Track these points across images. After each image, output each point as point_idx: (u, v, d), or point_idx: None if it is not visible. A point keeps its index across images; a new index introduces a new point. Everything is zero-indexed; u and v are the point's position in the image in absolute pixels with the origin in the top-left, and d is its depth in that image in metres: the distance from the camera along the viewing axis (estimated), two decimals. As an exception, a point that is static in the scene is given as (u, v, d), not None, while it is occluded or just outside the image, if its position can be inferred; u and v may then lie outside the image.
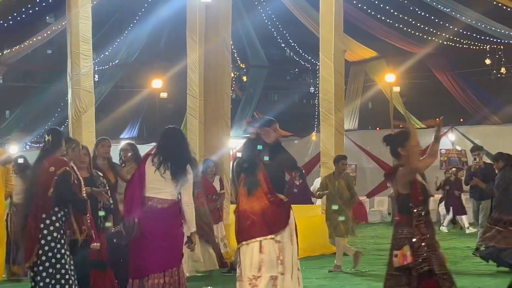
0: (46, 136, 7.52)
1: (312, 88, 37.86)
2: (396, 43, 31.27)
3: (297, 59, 36.37)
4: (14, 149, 29.43)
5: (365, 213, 25.29)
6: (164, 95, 32.94)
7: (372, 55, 32.78)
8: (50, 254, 7.02)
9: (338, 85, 15.65)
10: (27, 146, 31.79)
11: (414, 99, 39.56)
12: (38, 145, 32.91)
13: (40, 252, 7.02)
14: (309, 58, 35.37)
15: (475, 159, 14.15)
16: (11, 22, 26.40)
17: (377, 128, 34.96)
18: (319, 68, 16.83)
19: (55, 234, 7.08)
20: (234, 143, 30.67)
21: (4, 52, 32.63)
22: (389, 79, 29.30)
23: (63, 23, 24.76)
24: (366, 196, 26.43)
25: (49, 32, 29.70)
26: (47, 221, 7.09)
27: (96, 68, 23.37)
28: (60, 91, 28.49)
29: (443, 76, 32.69)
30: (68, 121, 14.76)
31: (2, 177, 7.58)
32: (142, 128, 36.75)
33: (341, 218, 12.19)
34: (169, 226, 7.08)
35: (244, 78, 38.44)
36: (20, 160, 11.51)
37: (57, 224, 7.12)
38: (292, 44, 34.96)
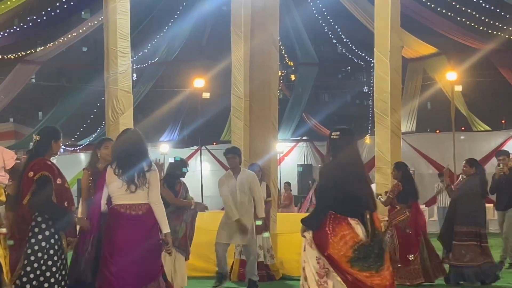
0: (34, 135, 7.46)
1: (365, 87, 37.76)
2: (458, 38, 30.98)
3: (349, 56, 36.25)
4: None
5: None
6: (206, 95, 33.03)
7: (431, 52, 32.53)
8: (35, 265, 6.90)
9: (394, 84, 15.54)
10: (61, 150, 32.21)
11: (477, 99, 39.13)
12: (73, 148, 33.33)
13: (25, 262, 6.89)
14: (363, 55, 35.26)
15: (498, 165, 13.91)
16: (44, 18, 26.77)
17: (437, 131, 34.64)
18: (373, 65, 16.74)
19: (43, 244, 6.95)
20: (282, 147, 30.75)
21: (37, 50, 33.07)
22: (450, 78, 28.98)
23: (100, 19, 25.06)
24: (425, 204, 26.20)
25: (84, 29, 30.06)
26: (32, 231, 6.98)
27: (134, 67, 23.59)
28: (96, 91, 28.83)
29: (509, 73, 32.28)
30: (104, 123, 14.92)
31: None
32: (183, 130, 36.97)
33: None
34: (144, 235, 7.04)
35: (293, 77, 38.54)
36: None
37: (46, 233, 6.98)
38: (345, 40, 34.85)
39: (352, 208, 6.65)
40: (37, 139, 7.34)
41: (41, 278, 6.87)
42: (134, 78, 25.25)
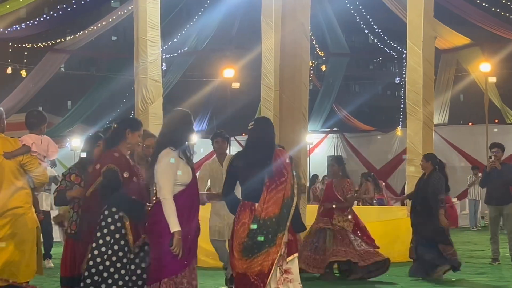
0: (113, 124, 7.36)
1: (397, 78, 37.45)
2: (492, 29, 30.72)
3: (381, 46, 36.08)
4: (76, 142, 30.09)
5: (455, 217, 24.97)
6: (236, 85, 33.10)
7: (465, 42, 32.29)
8: (98, 259, 6.74)
9: (427, 75, 15.46)
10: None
11: (511, 91, 38.84)
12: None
13: (89, 256, 6.78)
14: (395, 45, 35.05)
15: (490, 157, 13.73)
16: (74, 7, 26.90)
17: (470, 123, 34.48)
18: (406, 56, 16.67)
19: (107, 239, 6.79)
20: (311, 138, 30.73)
21: (67, 39, 33.27)
22: (484, 69, 28.81)
23: (129, 8, 25.16)
24: (457, 198, 26.09)
25: (114, 17, 30.16)
26: (99, 225, 6.85)
27: (164, 56, 23.66)
28: (126, 80, 28.97)
29: (545, 65, 32.00)
30: (133, 113, 14.99)
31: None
32: (212, 121, 37.04)
33: None
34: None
35: (323, 67, 38.36)
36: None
37: (112, 227, 6.81)
38: (376, 30, 34.68)
39: (254, 194, 6.86)
40: (115, 126, 7.21)
41: (105, 274, 6.72)
42: (164, 67, 25.28)
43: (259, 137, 7.13)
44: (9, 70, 30.30)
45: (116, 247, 6.76)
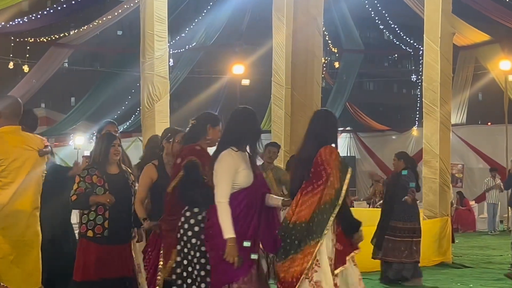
0: (190, 120, 7.24)
1: (414, 76, 37.35)
2: (512, 25, 30.63)
3: (397, 42, 36.00)
4: (79, 140, 30.16)
5: (473, 221, 24.93)
6: (246, 82, 33.08)
7: (484, 39, 32.18)
8: (185, 262, 6.71)
9: (444, 73, 15.44)
10: (94, 138, 32.41)
11: (532, 90, 38.68)
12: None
13: (178, 259, 6.75)
14: (411, 41, 34.96)
15: None
16: (79, 0, 26.92)
17: (488, 123, 34.41)
18: (422, 53, 16.65)
19: (193, 241, 6.70)
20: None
21: (71, 33, 33.30)
22: (504, 67, 28.71)
23: (136, 1, 25.16)
24: (475, 201, 26.04)
25: (120, 11, 30.18)
26: (182, 228, 6.75)
27: (171, 52, 23.66)
28: (131, 76, 28.97)
29: None
30: (139, 110, 15.01)
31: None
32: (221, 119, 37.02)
33: None
34: None
35: (336, 64, 38.25)
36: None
37: (196, 228, 6.70)
38: (392, 25, 34.60)
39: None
40: (193, 123, 7.17)
41: (198, 278, 6.64)
42: (171, 63, 25.30)
43: (308, 132, 6.89)
44: (11, 65, 30.32)
45: (203, 248, 6.64)
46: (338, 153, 6.53)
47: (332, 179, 6.36)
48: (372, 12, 33.28)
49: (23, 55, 30.84)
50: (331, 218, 6.29)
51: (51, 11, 28.89)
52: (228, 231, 6.15)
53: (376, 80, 59.84)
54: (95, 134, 8.36)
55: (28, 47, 30.67)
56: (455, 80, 30.89)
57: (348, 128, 35.85)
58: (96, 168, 7.66)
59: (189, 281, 6.65)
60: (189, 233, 6.69)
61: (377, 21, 34.20)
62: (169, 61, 15.99)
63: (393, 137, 33.53)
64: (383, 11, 33.54)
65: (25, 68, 30.62)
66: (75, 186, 7.64)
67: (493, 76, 32.37)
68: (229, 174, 6.31)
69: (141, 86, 14.43)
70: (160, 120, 13.89)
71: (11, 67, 30.37)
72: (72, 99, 52.07)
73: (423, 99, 15.83)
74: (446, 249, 14.93)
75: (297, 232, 6.38)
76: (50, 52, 31.37)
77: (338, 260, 6.35)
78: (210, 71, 39.45)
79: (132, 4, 27.81)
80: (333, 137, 6.75)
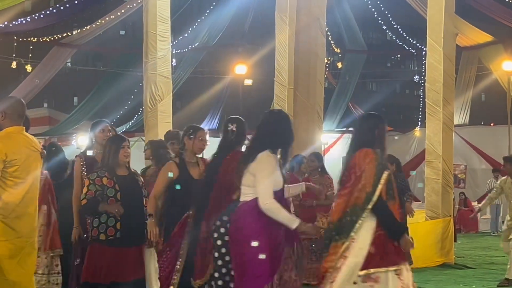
0: (229, 125, 7.23)
1: (416, 76, 37.32)
2: (515, 26, 30.60)
3: (400, 43, 35.97)
4: (82, 141, 30.14)
5: (475, 221, 24.91)
6: (248, 82, 33.08)
7: (487, 40, 32.16)
8: (224, 270, 6.60)
9: (447, 74, 15.43)
10: (89, 138, 32.31)
11: (535, 91, 38.64)
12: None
13: (214, 266, 6.64)
14: (414, 42, 34.95)
15: None
16: (82, 0, 26.94)
17: (491, 124, 34.33)
18: (425, 53, 16.64)
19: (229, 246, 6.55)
20: (326, 138, 30.68)
21: (73, 33, 33.31)
22: (507, 67, 28.69)
23: (139, 1, 25.17)
24: (477, 201, 26.00)
25: (123, 11, 30.19)
26: (222, 229, 6.64)
27: (173, 52, 23.68)
28: (134, 76, 29.00)
29: None
30: (142, 110, 15.00)
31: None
32: (223, 119, 37.04)
33: None
34: None
35: (339, 65, 38.24)
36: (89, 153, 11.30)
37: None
38: (395, 26, 34.58)
39: None
40: (233, 129, 7.19)
41: (231, 284, 6.55)
42: (174, 63, 25.30)
43: (354, 133, 6.75)
44: (13, 65, 30.34)
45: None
46: (376, 157, 6.35)
47: (364, 183, 6.24)
48: (375, 13, 33.29)
49: (26, 55, 30.84)
50: (360, 221, 6.18)
51: (54, 11, 28.92)
52: (294, 220, 6.21)
53: (379, 81, 59.80)
54: (91, 134, 8.29)
55: (31, 47, 30.67)
56: (458, 80, 30.88)
57: (350, 129, 35.73)
58: (106, 170, 7.55)
59: (220, 282, 6.60)
60: (226, 238, 6.54)
61: (380, 21, 34.20)
62: (171, 61, 16.00)
63: (396, 137, 33.46)
64: (386, 12, 33.55)
65: (28, 68, 30.61)
66: (85, 190, 7.53)
67: (496, 76, 32.34)
68: (271, 175, 6.27)
69: (143, 86, 14.44)
70: (162, 120, 13.90)
71: (14, 67, 30.37)
72: (75, 98, 52.06)
73: (426, 100, 15.82)
74: (448, 249, 14.92)
75: (327, 232, 6.44)
76: (53, 51, 31.39)
77: (368, 261, 6.20)
78: (212, 71, 39.44)
79: (135, 4, 27.84)
80: (373, 139, 6.52)
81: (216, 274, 6.61)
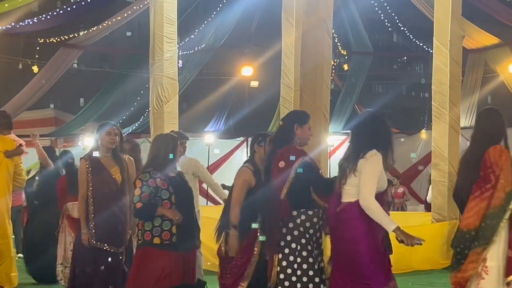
0: (280, 121, 7.05)
1: (423, 79, 37.34)
2: (522, 28, 30.56)
3: (406, 45, 35.97)
4: (89, 142, 30.16)
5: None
6: (254, 84, 33.11)
7: (493, 42, 32.10)
8: (289, 270, 6.48)
9: (454, 76, 15.41)
10: (95, 139, 32.31)
11: (542, 94, 38.58)
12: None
13: (278, 269, 6.53)
14: (421, 44, 34.92)
15: None
16: (88, 1, 26.96)
17: (498, 126, 34.24)
18: (432, 56, 16.61)
19: (293, 246, 6.54)
20: (333, 140, 30.66)
21: (80, 34, 33.34)
22: (514, 70, 28.66)
23: (145, 2, 25.19)
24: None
25: (129, 12, 30.22)
26: (288, 237, 6.54)
27: (180, 53, 23.69)
28: (140, 77, 29.01)
29: None
30: (148, 111, 15.01)
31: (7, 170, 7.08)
32: (229, 121, 37.07)
33: None
34: None
35: (345, 67, 38.25)
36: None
37: (295, 233, 6.54)
38: (401, 28, 34.55)
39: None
40: (281, 124, 6.97)
41: (298, 285, 6.46)
42: (180, 65, 25.32)
43: (475, 132, 6.52)
44: (20, 66, 30.41)
45: (304, 253, 6.48)
46: (509, 153, 6.14)
47: (503, 182, 5.99)
48: (382, 15, 33.27)
49: (33, 56, 30.89)
50: (501, 224, 5.98)
51: (61, 12, 28.94)
52: (392, 223, 6.01)
53: (385, 83, 59.77)
54: (97, 136, 8.23)
55: (37, 48, 30.73)
56: (465, 83, 30.84)
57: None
58: (158, 171, 7.30)
59: (286, 284, 6.48)
60: (288, 238, 6.49)
61: (386, 23, 34.18)
62: (178, 63, 16.00)
63: (402, 139, 33.38)
64: (393, 14, 33.51)
65: (35, 69, 30.67)
66: (137, 191, 7.25)
67: (502, 79, 32.28)
68: (378, 174, 6.12)
69: (150, 88, 14.45)
70: (169, 121, 13.90)
71: (20, 68, 30.43)
72: (81, 100, 52.11)
73: (432, 102, 15.79)
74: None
75: (466, 240, 6.13)
76: (60, 52, 31.42)
77: (510, 267, 6.03)
78: (219, 72, 39.47)
79: (141, 6, 27.87)
80: (501, 135, 6.36)
81: (282, 276, 6.50)
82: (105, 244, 7.83)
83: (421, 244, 5.89)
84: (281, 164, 6.62)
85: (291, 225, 6.51)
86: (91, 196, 7.83)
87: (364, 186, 6.03)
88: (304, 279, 6.44)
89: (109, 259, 7.83)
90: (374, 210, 5.99)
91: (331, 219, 6.28)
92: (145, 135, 24.42)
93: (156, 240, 7.18)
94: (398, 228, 5.95)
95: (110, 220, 7.79)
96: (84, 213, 7.91)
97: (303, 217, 6.53)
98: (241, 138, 30.55)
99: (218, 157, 26.86)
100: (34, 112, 35.59)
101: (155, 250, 7.17)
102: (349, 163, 6.20)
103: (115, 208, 7.86)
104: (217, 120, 35.91)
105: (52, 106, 47.36)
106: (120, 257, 7.97)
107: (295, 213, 6.54)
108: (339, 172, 6.32)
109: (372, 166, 6.08)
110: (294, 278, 6.43)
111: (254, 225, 6.78)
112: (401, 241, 5.97)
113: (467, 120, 31.72)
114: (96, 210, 7.80)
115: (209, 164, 23.19)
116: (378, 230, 6.06)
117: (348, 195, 6.17)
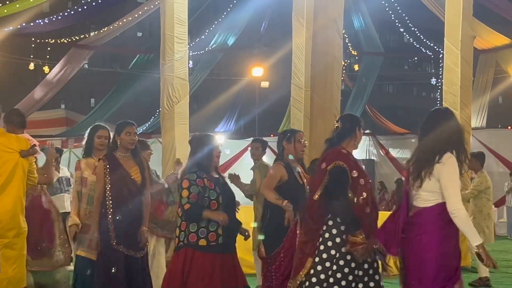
0: (335, 122, 6.83)
1: (433, 79, 37.33)
2: (533, 29, 30.48)
3: (417, 46, 35.89)
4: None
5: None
6: (265, 84, 33.10)
7: (505, 42, 32.02)
8: (322, 276, 6.32)
9: (465, 76, 15.37)
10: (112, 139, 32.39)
11: (553, 94, 38.50)
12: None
13: (312, 271, 6.35)
14: (432, 45, 34.87)
15: None
16: (99, 1, 27.02)
17: (509, 127, 34.19)
18: (442, 56, 16.58)
19: (332, 252, 6.35)
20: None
21: (91, 34, 33.43)
22: (525, 71, 28.59)
23: (156, 3, 25.22)
24: (494, 205, 25.88)
25: (140, 13, 30.26)
26: (326, 234, 6.41)
27: (190, 54, 23.72)
28: (151, 78, 29.05)
29: None
30: (159, 112, 15.00)
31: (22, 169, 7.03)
32: (240, 121, 37.09)
33: None
34: None
35: (356, 67, 38.21)
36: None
37: (337, 240, 6.36)
38: (412, 28, 34.51)
39: None
40: (338, 125, 6.73)
41: None
42: (191, 65, 25.34)
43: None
44: (31, 66, 30.49)
45: (341, 262, 6.31)
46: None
47: None
48: (392, 15, 33.22)
49: (44, 56, 31.00)
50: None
51: (72, 12, 29.02)
52: (477, 237, 5.92)
53: (396, 83, 59.73)
54: (115, 135, 7.98)
55: (48, 48, 30.82)
56: (475, 83, 30.78)
57: (367, 131, 35.70)
58: (204, 171, 7.14)
59: (313, 280, 6.32)
60: (329, 243, 6.35)
61: (397, 24, 34.15)
62: (188, 63, 16.02)
63: (413, 140, 33.33)
64: (403, 14, 33.47)
65: (46, 69, 30.75)
66: (184, 193, 7.04)
67: (513, 80, 32.26)
68: (458, 178, 5.94)
69: (161, 88, 14.45)
70: (179, 121, 13.90)
71: (31, 68, 30.52)
72: (92, 100, 52.25)
73: (443, 103, 15.75)
74: (465, 253, 14.80)
75: None
76: (71, 53, 31.49)
77: None
78: (229, 73, 39.48)
79: (152, 6, 27.90)
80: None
81: (314, 279, 6.35)
82: (125, 248, 7.42)
83: (496, 268, 5.92)
84: (323, 165, 6.51)
85: (334, 231, 6.38)
86: (109, 197, 7.47)
87: (450, 195, 5.84)
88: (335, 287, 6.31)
89: (130, 264, 7.43)
90: (464, 220, 5.88)
91: (402, 222, 6.04)
92: (156, 136, 24.46)
93: (202, 242, 6.96)
94: (482, 245, 5.89)
95: (128, 220, 7.46)
96: (97, 215, 7.52)
97: (342, 227, 6.39)
98: (252, 138, 30.56)
99: (228, 158, 26.85)
100: (45, 112, 35.73)
101: (199, 252, 6.94)
102: (423, 167, 6.00)
103: (134, 210, 7.53)
104: (228, 120, 35.94)
105: (63, 106, 47.55)
106: (141, 262, 7.59)
107: (339, 219, 6.39)
108: (411, 175, 6.09)
109: (450, 170, 5.89)
110: (325, 285, 6.30)
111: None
112: (480, 258, 5.96)
113: (478, 120, 31.69)
114: (115, 212, 7.42)
115: (220, 165, 23.20)
116: (451, 238, 5.93)
117: (423, 200, 5.99)
